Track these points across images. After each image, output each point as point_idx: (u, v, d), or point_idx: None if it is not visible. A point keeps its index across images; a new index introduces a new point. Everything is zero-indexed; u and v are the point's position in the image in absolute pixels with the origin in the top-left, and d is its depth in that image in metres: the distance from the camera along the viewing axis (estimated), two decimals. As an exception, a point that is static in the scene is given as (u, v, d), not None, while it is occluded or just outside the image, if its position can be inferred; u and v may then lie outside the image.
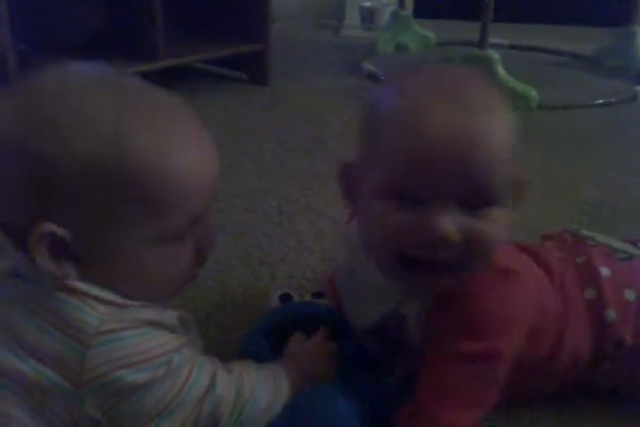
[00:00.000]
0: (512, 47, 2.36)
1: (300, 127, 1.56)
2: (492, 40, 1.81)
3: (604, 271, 0.73)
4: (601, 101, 1.82)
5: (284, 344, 0.72)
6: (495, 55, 1.77)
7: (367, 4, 2.76)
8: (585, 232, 0.81)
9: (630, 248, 0.78)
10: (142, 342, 0.51)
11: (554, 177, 1.34)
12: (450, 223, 0.57)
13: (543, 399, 0.74)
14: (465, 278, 0.61)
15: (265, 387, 0.61)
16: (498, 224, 0.59)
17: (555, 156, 1.47)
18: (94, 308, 0.50)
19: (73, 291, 0.51)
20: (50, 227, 0.49)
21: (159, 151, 0.51)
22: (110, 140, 0.49)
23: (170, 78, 1.69)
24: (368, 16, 2.74)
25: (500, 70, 1.77)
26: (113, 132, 0.49)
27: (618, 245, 0.78)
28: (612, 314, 0.70)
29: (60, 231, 0.50)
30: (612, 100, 1.84)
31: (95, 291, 0.51)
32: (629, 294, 0.72)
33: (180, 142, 0.53)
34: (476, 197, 0.58)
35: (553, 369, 0.70)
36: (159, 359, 0.52)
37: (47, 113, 0.49)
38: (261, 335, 0.75)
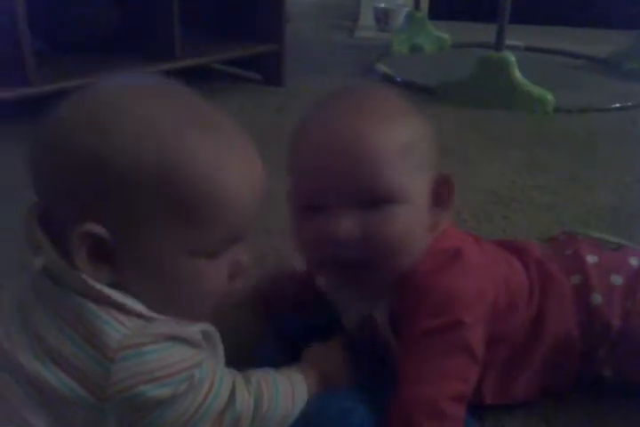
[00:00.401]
0: (528, 49, 2.35)
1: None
2: (507, 42, 1.80)
3: (591, 258, 0.75)
4: (618, 105, 1.81)
5: (296, 350, 0.72)
6: (511, 58, 1.77)
7: (382, 5, 2.76)
8: (580, 230, 0.84)
9: (623, 241, 0.80)
10: (164, 356, 0.51)
11: (570, 181, 1.34)
12: (344, 223, 0.62)
13: (553, 399, 0.74)
14: (411, 269, 0.66)
15: (284, 397, 0.60)
16: (401, 220, 0.63)
17: (571, 159, 1.46)
18: (119, 320, 0.50)
19: (100, 298, 0.51)
20: (93, 226, 0.49)
21: (207, 162, 0.51)
22: (161, 147, 0.50)
23: (185, 78, 1.69)
24: (383, 17, 2.74)
25: (517, 73, 1.76)
26: (164, 140, 0.50)
27: (611, 239, 0.80)
28: (597, 298, 0.72)
29: (102, 231, 0.50)
30: (629, 103, 1.83)
31: (122, 298, 0.51)
32: (616, 279, 0.73)
33: (228, 158, 0.53)
34: (371, 198, 0.63)
35: (539, 352, 0.71)
36: (182, 375, 0.51)
37: (103, 120, 0.50)
38: (274, 342, 0.74)
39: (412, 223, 0.64)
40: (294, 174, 0.67)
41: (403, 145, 0.63)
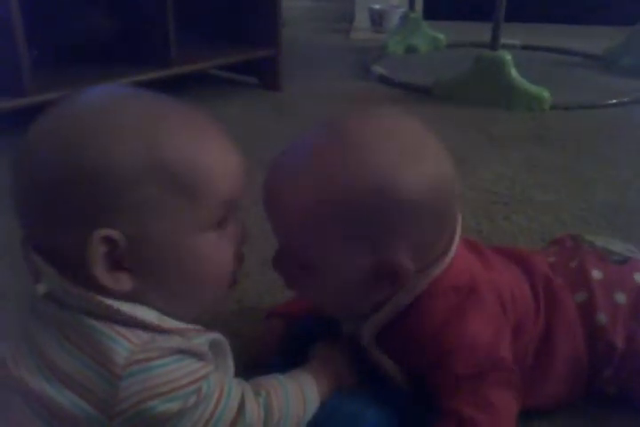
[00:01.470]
0: (524, 47, 2.35)
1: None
2: (503, 41, 1.81)
3: (596, 274, 0.72)
4: (615, 101, 1.81)
5: (300, 355, 0.71)
6: (507, 56, 1.77)
7: (377, 6, 2.77)
8: (586, 237, 0.81)
9: (627, 251, 0.77)
10: (172, 370, 0.51)
11: (568, 178, 1.34)
12: (277, 267, 0.65)
13: (560, 407, 0.73)
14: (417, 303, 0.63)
15: (295, 404, 0.60)
16: (313, 286, 0.63)
17: (569, 157, 1.46)
18: (124, 336, 0.50)
19: (108, 313, 0.51)
20: (107, 231, 0.50)
21: (190, 146, 0.54)
22: (149, 142, 0.52)
23: (181, 84, 1.69)
24: (378, 18, 2.74)
25: (513, 72, 1.76)
26: (151, 135, 0.52)
27: (615, 247, 0.77)
28: (602, 318, 0.70)
29: (117, 235, 0.50)
30: (626, 99, 1.83)
31: (132, 310, 0.52)
32: (620, 298, 0.71)
33: (206, 138, 0.56)
34: (291, 256, 0.62)
35: (549, 377, 0.69)
36: (190, 388, 0.52)
37: (91, 128, 0.51)
38: (279, 346, 0.74)
39: (335, 291, 0.63)
40: None
41: (337, 211, 0.57)
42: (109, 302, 0.51)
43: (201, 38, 1.90)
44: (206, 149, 0.55)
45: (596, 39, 2.43)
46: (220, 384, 0.55)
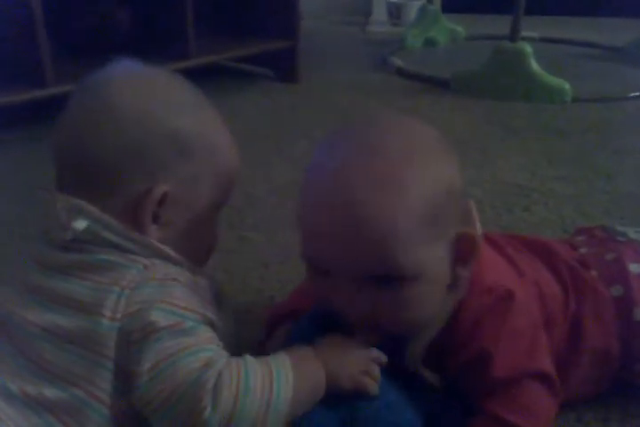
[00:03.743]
0: (543, 40, 2.33)
1: (330, 123, 1.55)
2: (522, 33, 1.79)
3: (634, 268, 0.70)
4: (636, 93, 1.79)
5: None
6: (527, 48, 1.75)
7: (395, -1, 2.75)
8: (619, 228, 0.79)
9: None
10: (183, 292, 0.56)
11: (590, 170, 1.33)
12: (352, 303, 0.56)
13: (587, 399, 0.72)
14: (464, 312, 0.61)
15: (256, 380, 0.53)
16: (415, 298, 0.56)
17: (590, 149, 1.45)
18: (141, 262, 0.56)
19: (133, 247, 0.57)
20: (166, 188, 0.58)
21: (210, 134, 0.63)
22: (195, 119, 0.62)
23: (199, 76, 1.69)
24: (395, 11, 2.73)
25: (533, 63, 1.75)
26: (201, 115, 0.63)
27: None
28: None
29: (169, 193, 0.58)
30: (647, 91, 1.80)
31: (162, 246, 0.59)
32: None
33: (225, 133, 0.65)
34: (377, 273, 0.54)
35: (576, 370, 0.67)
36: (193, 314, 0.55)
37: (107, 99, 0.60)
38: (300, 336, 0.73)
39: (429, 298, 0.58)
40: (298, 222, 0.58)
41: (422, 215, 0.53)
42: (141, 235, 0.58)
43: (219, 30, 1.90)
44: (233, 152, 0.65)
45: (617, 31, 2.40)
46: (209, 339, 0.55)
